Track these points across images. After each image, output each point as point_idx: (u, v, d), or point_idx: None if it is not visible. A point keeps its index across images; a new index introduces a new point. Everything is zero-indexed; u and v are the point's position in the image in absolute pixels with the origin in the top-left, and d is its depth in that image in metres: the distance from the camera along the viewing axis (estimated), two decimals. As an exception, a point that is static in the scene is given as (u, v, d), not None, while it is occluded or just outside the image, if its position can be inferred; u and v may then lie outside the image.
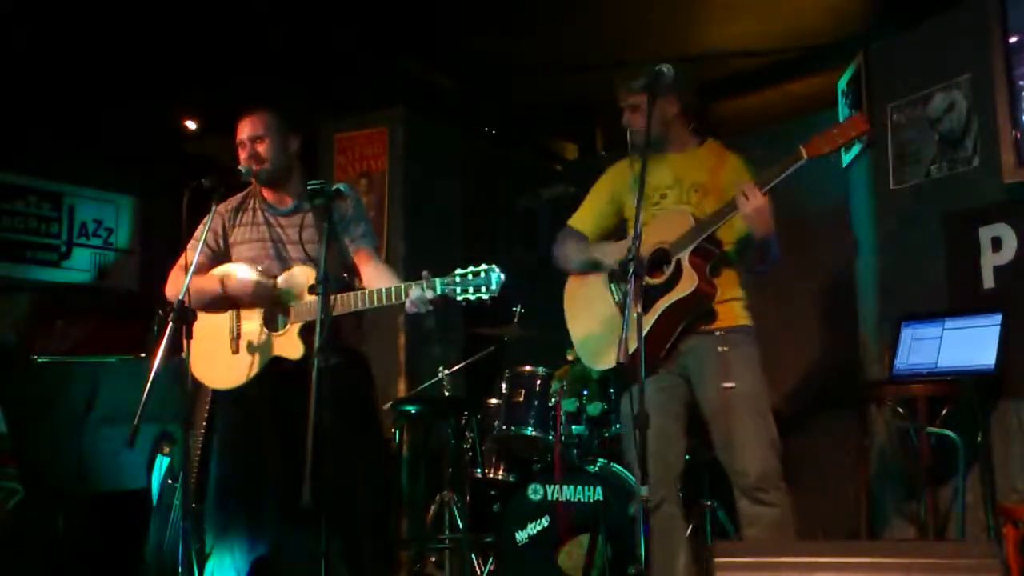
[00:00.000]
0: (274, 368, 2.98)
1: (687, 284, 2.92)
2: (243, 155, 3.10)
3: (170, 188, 3.06)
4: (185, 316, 2.82)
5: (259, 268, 3.08)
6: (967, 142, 3.98)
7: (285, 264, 3.08)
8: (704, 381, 3.02)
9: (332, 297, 2.68)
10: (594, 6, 4.67)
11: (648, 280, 2.98)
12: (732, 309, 3.06)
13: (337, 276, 2.78)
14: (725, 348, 3.00)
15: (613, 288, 3.12)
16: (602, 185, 3.34)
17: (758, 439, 2.94)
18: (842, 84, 4.81)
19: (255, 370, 2.99)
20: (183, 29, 4.69)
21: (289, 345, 2.94)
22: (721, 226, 2.92)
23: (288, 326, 2.96)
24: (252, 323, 3.04)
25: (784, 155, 2.87)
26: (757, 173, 2.97)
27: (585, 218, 3.33)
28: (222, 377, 3.06)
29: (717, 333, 3.02)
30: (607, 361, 3.11)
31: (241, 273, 3.05)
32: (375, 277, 3.00)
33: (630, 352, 2.92)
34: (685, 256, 2.94)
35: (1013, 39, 3.67)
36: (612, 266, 3.09)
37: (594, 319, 3.17)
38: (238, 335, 3.05)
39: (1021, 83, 3.66)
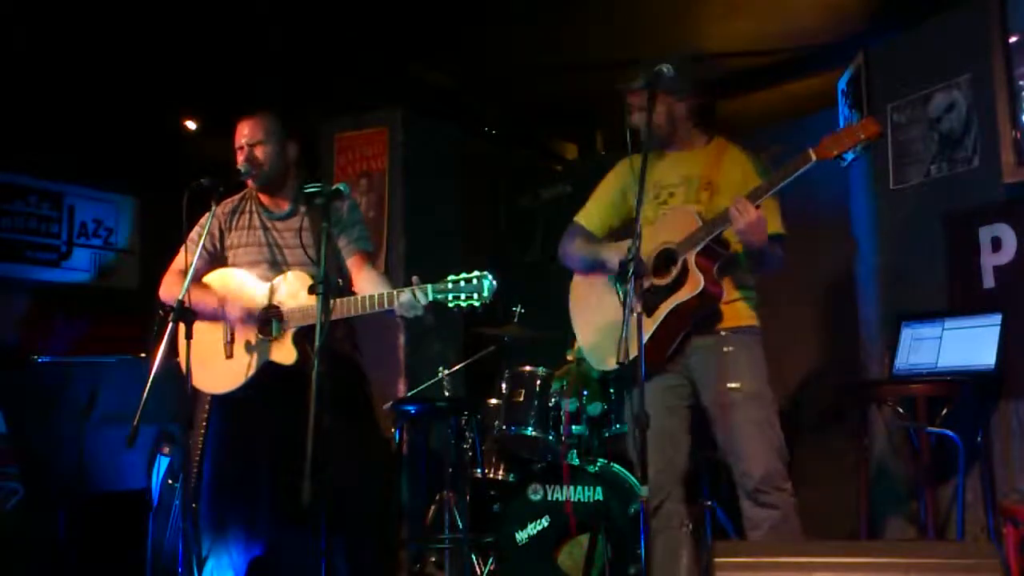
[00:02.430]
0: (267, 373, 2.98)
1: (693, 285, 2.88)
2: (240, 158, 3.10)
3: (170, 188, 3.06)
4: (185, 315, 2.82)
5: (253, 272, 3.08)
6: (967, 142, 3.97)
7: (280, 269, 3.08)
8: (708, 382, 2.99)
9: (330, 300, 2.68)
10: (594, 6, 4.67)
11: (654, 281, 2.96)
12: (738, 309, 3.03)
13: (333, 280, 2.78)
14: (730, 348, 2.98)
15: (619, 288, 3.07)
16: (609, 181, 3.30)
17: (761, 441, 2.91)
18: (842, 84, 4.81)
19: (248, 375, 2.99)
20: (183, 29, 4.69)
21: (282, 351, 2.94)
22: (727, 228, 2.88)
23: (282, 332, 2.96)
24: (246, 329, 3.04)
25: (785, 156, 2.86)
26: (761, 173, 2.94)
27: (592, 215, 3.29)
28: (216, 381, 3.06)
29: (722, 333, 3.00)
30: (613, 362, 3.04)
31: (235, 293, 3.04)
32: (368, 283, 3.00)
33: (631, 354, 2.92)
34: (692, 256, 2.90)
35: (1013, 39, 3.67)
36: (615, 267, 3.05)
37: (600, 319, 3.15)
38: (232, 340, 3.05)
39: (1021, 83, 3.66)
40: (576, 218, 3.32)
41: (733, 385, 2.93)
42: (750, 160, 3.10)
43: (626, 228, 3.25)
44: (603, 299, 3.16)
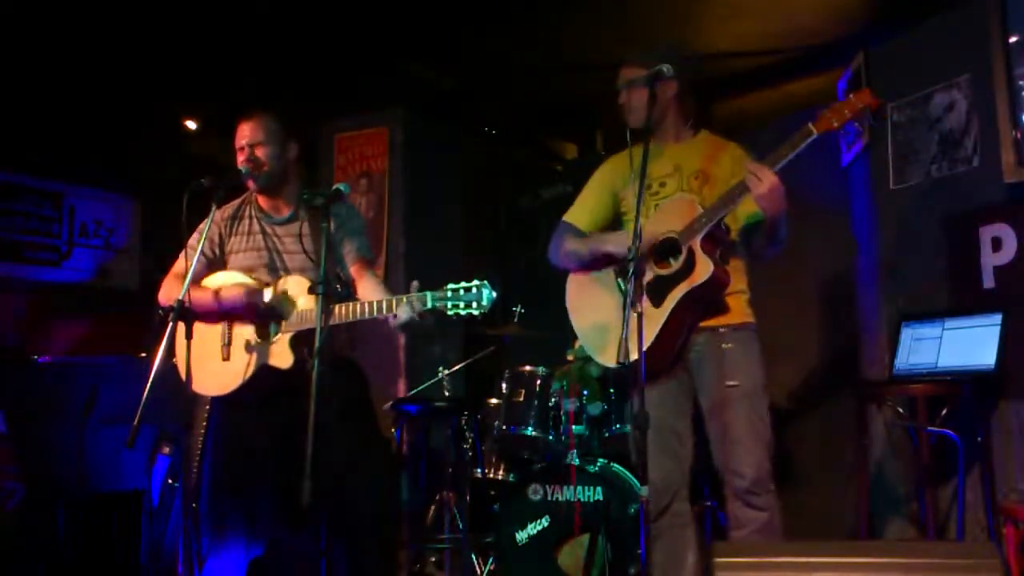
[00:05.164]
0: (264, 376, 2.98)
1: (703, 270, 2.83)
2: (241, 159, 3.10)
3: (170, 188, 3.05)
4: (185, 315, 2.82)
5: (253, 277, 3.08)
6: (967, 142, 3.97)
7: (279, 274, 3.08)
8: (707, 378, 2.99)
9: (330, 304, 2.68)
10: (594, 6, 4.67)
11: (657, 271, 2.93)
12: (738, 303, 3.02)
13: (332, 284, 2.78)
14: (729, 345, 2.97)
15: (620, 281, 3.05)
16: (598, 179, 3.27)
17: (756, 440, 2.91)
18: (842, 84, 4.81)
19: (245, 378, 2.98)
20: (183, 29, 4.70)
21: (280, 354, 2.94)
22: (731, 211, 2.86)
23: (279, 335, 2.96)
24: (244, 331, 3.04)
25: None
26: (763, 156, 2.92)
27: (582, 213, 3.25)
28: (212, 383, 3.06)
29: (721, 330, 2.99)
30: (613, 356, 3.01)
31: (234, 284, 3.04)
32: (370, 290, 3.00)
33: (632, 354, 2.90)
34: (696, 243, 2.86)
35: (1013, 39, 3.67)
36: (623, 254, 2.97)
37: (601, 313, 3.10)
38: (229, 342, 3.05)
39: (1021, 83, 3.66)
40: (565, 217, 3.27)
41: (732, 383, 2.93)
42: (745, 152, 3.07)
43: (614, 225, 3.22)
44: (603, 292, 3.12)
